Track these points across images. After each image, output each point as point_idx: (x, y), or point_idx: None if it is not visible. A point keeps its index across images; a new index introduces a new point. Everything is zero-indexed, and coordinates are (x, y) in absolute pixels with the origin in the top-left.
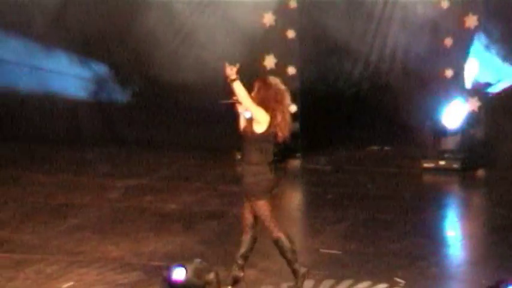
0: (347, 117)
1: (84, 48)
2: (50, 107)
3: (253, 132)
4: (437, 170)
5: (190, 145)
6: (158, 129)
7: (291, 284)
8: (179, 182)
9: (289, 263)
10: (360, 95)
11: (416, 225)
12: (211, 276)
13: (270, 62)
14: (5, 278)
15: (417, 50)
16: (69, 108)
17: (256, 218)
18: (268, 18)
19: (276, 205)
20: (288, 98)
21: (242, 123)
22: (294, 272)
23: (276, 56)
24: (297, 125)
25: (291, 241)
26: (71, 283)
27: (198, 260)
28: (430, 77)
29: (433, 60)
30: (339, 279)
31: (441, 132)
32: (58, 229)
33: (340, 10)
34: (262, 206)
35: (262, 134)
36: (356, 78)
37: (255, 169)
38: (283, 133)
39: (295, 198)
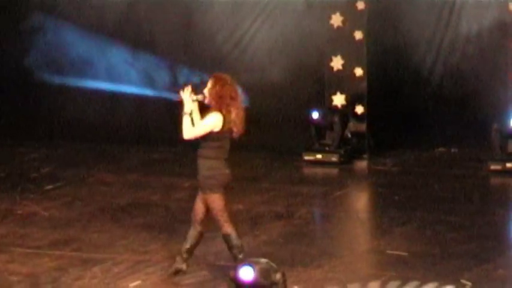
0: (414, 118)
1: (151, 46)
2: (118, 106)
3: (209, 132)
4: (505, 172)
5: (258, 146)
6: None
7: (356, 284)
8: (246, 182)
9: (235, 258)
10: (428, 96)
11: (483, 227)
12: (277, 276)
13: (337, 63)
14: (72, 277)
15: (487, 52)
16: (137, 107)
17: (206, 213)
18: (336, 20)
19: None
20: (241, 96)
21: (198, 120)
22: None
23: (343, 57)
24: (364, 126)
25: (238, 237)
26: (138, 282)
27: (264, 260)
28: (498, 79)
29: (501, 62)
30: (405, 281)
31: (509, 135)
32: (125, 228)
33: (409, 11)
34: (216, 200)
35: (218, 132)
36: (424, 79)
37: (210, 163)
38: (238, 129)
39: (362, 199)
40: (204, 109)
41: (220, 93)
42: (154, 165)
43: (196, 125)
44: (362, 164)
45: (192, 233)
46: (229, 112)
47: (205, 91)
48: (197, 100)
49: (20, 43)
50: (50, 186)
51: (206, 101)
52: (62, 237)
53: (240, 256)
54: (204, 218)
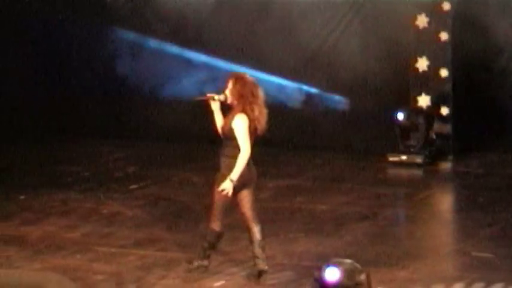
0: (499, 119)
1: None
2: (202, 106)
3: (231, 130)
4: None
5: (342, 146)
6: (308, 131)
7: (440, 286)
8: (330, 183)
9: (203, 249)
10: None
11: None
12: (362, 277)
13: (422, 64)
14: (156, 276)
15: None
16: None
17: (247, 207)
18: (422, 20)
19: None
20: (262, 93)
21: (219, 121)
22: (199, 257)
23: (428, 58)
24: (449, 127)
25: (219, 238)
26: (222, 282)
27: (349, 261)
28: None
29: None
30: (490, 283)
31: None
32: None
33: (494, 12)
34: (222, 196)
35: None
36: (509, 81)
37: (230, 162)
38: (261, 126)
39: (446, 201)
40: (225, 109)
41: (241, 92)
42: None
43: (239, 139)
44: (446, 166)
45: (252, 234)
46: (252, 110)
47: (227, 91)
48: (219, 100)
49: (113, 49)
50: (134, 186)
51: (228, 101)
52: (146, 237)
53: (208, 252)
54: (251, 215)
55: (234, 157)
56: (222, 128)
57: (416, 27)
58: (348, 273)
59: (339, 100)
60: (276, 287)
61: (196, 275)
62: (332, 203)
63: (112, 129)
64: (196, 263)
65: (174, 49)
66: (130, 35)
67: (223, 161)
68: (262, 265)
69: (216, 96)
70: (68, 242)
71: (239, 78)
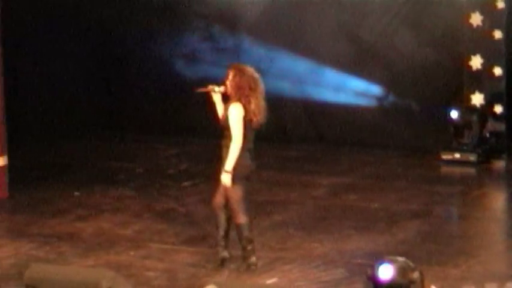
0: None
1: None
2: None
3: (227, 120)
4: None
5: (395, 144)
6: (362, 128)
7: (493, 284)
8: (383, 181)
9: (243, 249)
10: None
11: None
12: (415, 275)
13: (476, 62)
14: (209, 273)
15: None
16: (274, 105)
17: (226, 202)
18: (475, 19)
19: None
20: (261, 86)
21: (220, 112)
22: (244, 258)
23: (482, 57)
24: (502, 126)
25: (250, 230)
26: (275, 279)
27: (402, 259)
28: None
29: None
30: None
31: None
32: (262, 225)
33: None
34: (235, 190)
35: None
36: None
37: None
38: (257, 119)
39: (499, 199)
40: (226, 100)
41: (239, 84)
42: (291, 162)
43: (232, 128)
44: (500, 164)
45: (220, 219)
46: (249, 102)
47: (226, 82)
48: (219, 92)
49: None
50: (187, 183)
51: (227, 92)
52: (199, 234)
53: (249, 247)
54: (225, 204)
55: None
56: (223, 118)
57: (470, 25)
58: (401, 271)
59: (392, 97)
60: (328, 284)
61: (248, 272)
62: (385, 200)
63: (166, 127)
64: (245, 265)
65: (229, 44)
66: (187, 33)
67: (225, 152)
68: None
69: (217, 88)
70: (121, 239)
71: (238, 70)
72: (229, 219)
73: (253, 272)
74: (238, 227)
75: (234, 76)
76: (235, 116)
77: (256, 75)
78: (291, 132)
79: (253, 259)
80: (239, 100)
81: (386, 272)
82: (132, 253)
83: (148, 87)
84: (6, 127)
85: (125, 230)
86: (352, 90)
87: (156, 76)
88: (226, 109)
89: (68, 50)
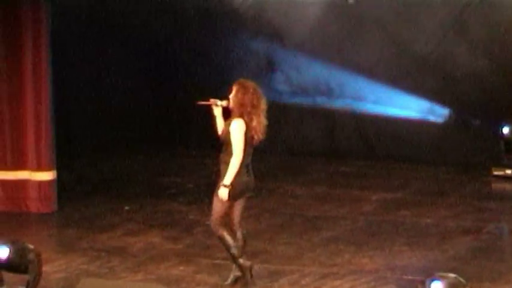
0: None
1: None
2: (307, 118)
3: (228, 135)
4: None
5: (446, 160)
6: (413, 144)
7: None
8: (434, 196)
9: (234, 258)
10: None
11: None
12: None
13: None
14: None
15: None
16: (326, 120)
17: (238, 215)
18: None
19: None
20: (264, 103)
21: (220, 126)
22: (240, 267)
23: None
24: None
25: (233, 238)
26: None
27: (452, 275)
28: None
29: None
30: None
31: None
32: (312, 241)
33: None
34: (220, 205)
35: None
36: None
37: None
38: (258, 136)
39: None
40: (228, 115)
41: (242, 101)
42: (342, 178)
43: (234, 144)
44: None
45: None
46: (251, 120)
47: (230, 97)
48: (221, 106)
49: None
50: None
51: (230, 107)
52: (250, 249)
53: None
54: (238, 221)
55: (227, 164)
56: (223, 133)
57: None
58: None
59: (443, 112)
60: None
61: (302, 284)
62: (436, 216)
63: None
64: (232, 276)
65: (280, 54)
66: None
67: (223, 168)
68: (238, 272)
69: (219, 102)
70: (171, 253)
71: (242, 87)
72: (233, 231)
73: (301, 287)
74: (220, 239)
75: (237, 92)
76: (237, 131)
77: (259, 92)
78: (342, 148)
79: (247, 263)
80: (241, 116)
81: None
82: (182, 268)
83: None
84: (55, 141)
85: (175, 244)
86: (404, 105)
87: (208, 91)
88: (228, 124)
89: (118, 63)
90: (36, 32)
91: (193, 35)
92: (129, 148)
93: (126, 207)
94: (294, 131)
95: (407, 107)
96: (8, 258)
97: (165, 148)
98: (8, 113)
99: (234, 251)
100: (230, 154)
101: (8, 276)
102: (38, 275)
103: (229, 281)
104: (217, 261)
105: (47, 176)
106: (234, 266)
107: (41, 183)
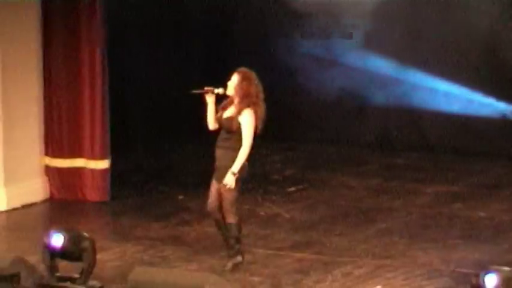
0: None
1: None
2: (362, 110)
3: (236, 124)
4: None
5: (501, 153)
6: (468, 137)
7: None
8: (489, 190)
9: (230, 247)
10: None
11: None
12: None
13: None
14: (313, 279)
15: None
16: (380, 113)
17: (220, 203)
18: None
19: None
20: (263, 93)
21: (211, 114)
22: (230, 256)
23: None
24: None
25: (240, 230)
26: (379, 287)
27: (507, 269)
28: None
29: None
30: None
31: None
32: (366, 232)
33: None
34: (232, 192)
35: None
36: None
37: (235, 155)
38: (260, 127)
39: None
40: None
41: (247, 91)
42: (397, 170)
43: (245, 133)
44: None
45: (220, 223)
46: (256, 111)
47: (230, 84)
48: (218, 93)
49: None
50: (292, 189)
51: (228, 93)
52: (304, 240)
53: (236, 247)
54: (219, 207)
55: (236, 149)
56: (224, 121)
57: None
58: (506, 281)
59: (500, 105)
60: None
61: (352, 279)
62: (491, 210)
63: (271, 131)
64: (230, 264)
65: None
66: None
67: (223, 153)
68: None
69: (216, 90)
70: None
71: (246, 77)
72: (221, 222)
73: (357, 279)
74: (229, 226)
75: (241, 82)
76: (250, 122)
77: (259, 82)
78: (397, 140)
79: (239, 258)
80: (249, 106)
81: (491, 281)
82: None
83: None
84: (111, 130)
85: None
86: (459, 98)
87: (267, 83)
88: (234, 113)
89: (172, 52)
90: (92, 22)
91: (251, 26)
92: (184, 137)
93: (181, 197)
94: (349, 123)
95: (460, 100)
96: (63, 246)
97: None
98: (64, 102)
99: (233, 242)
100: (235, 141)
101: (62, 264)
102: (92, 263)
103: (229, 266)
104: (271, 252)
105: (102, 164)
106: (231, 252)
107: (95, 172)
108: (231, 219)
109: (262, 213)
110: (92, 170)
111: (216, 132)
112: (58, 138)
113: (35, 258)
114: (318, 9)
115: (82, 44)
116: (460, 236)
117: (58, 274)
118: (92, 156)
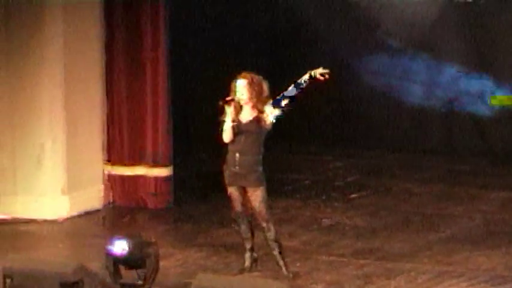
0: None
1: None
2: (426, 116)
3: (262, 128)
4: None
5: None
6: None
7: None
8: None
9: (272, 250)
10: None
11: None
12: None
13: None
14: (376, 286)
15: None
16: (442, 118)
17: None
18: None
19: None
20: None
21: (229, 122)
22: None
23: None
24: None
25: (276, 233)
26: None
27: None
28: None
29: None
30: None
31: None
32: (429, 239)
33: None
34: (264, 194)
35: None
36: None
37: (259, 159)
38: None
39: None
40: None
41: (260, 94)
42: (460, 176)
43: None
44: None
45: (244, 227)
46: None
47: (239, 90)
48: (239, 101)
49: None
50: (354, 195)
51: (242, 102)
52: (366, 246)
53: (276, 251)
54: (246, 210)
55: (259, 154)
56: (244, 126)
57: None
58: None
59: None
60: None
61: (415, 286)
62: None
63: (333, 138)
64: (286, 271)
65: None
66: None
67: (248, 160)
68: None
69: (236, 98)
70: (288, 250)
71: (256, 80)
72: (250, 222)
73: (420, 285)
74: (264, 229)
75: (251, 83)
76: (274, 112)
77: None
78: (460, 145)
79: (255, 255)
80: (266, 103)
81: None
82: (298, 264)
83: (318, 99)
84: (173, 137)
85: (292, 241)
86: None
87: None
88: (260, 111)
89: (236, 57)
90: (155, 28)
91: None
92: None
93: None
94: (411, 129)
95: None
96: (126, 253)
97: (284, 145)
98: (126, 110)
99: (274, 245)
100: (256, 146)
101: (125, 270)
102: (156, 269)
103: (247, 263)
104: (333, 258)
105: (164, 171)
106: (249, 253)
107: (157, 179)
108: (267, 223)
109: (324, 219)
110: (155, 177)
111: None
112: (119, 146)
113: (97, 265)
114: (388, 18)
115: (144, 51)
116: None
117: (121, 281)
118: (154, 164)
